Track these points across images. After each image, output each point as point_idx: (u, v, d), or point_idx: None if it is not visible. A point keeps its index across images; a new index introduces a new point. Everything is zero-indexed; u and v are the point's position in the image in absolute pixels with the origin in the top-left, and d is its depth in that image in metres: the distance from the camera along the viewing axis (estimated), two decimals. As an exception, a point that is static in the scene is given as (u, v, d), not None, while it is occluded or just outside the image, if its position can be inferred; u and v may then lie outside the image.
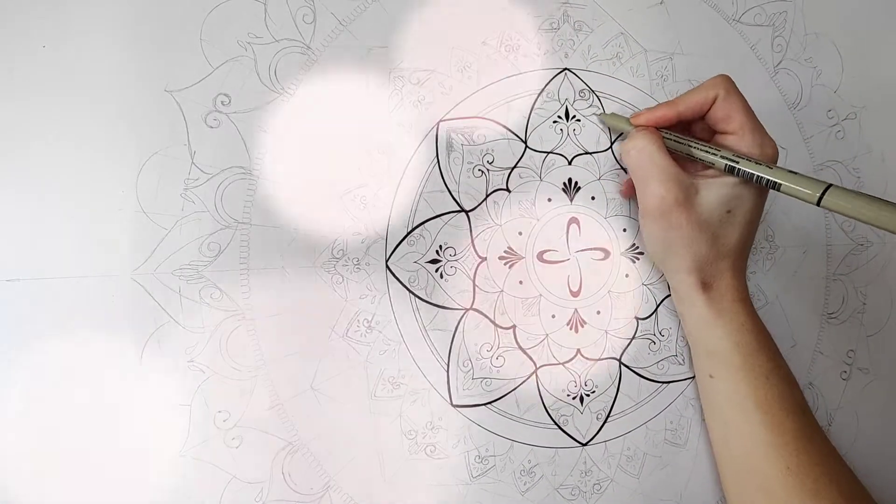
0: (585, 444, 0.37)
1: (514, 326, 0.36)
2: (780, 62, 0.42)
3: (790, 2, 0.42)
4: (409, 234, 0.34)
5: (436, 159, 0.34)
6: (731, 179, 0.32)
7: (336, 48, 0.33)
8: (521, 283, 0.36)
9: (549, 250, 0.37)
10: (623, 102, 0.38)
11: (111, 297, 0.29)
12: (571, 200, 0.37)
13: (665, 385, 0.39)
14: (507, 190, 0.36)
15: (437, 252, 0.34)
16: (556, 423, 0.36)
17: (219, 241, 0.31)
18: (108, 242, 0.29)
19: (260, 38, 0.32)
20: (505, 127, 0.36)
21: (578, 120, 0.37)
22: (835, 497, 0.31)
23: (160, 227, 0.30)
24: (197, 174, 0.31)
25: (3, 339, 0.28)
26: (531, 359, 0.36)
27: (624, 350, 0.38)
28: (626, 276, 0.38)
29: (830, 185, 0.29)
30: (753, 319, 0.34)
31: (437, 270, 0.34)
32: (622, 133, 0.38)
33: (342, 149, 0.33)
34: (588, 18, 0.37)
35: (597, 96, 0.38)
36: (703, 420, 0.38)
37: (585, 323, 0.37)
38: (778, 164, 0.33)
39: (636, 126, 0.35)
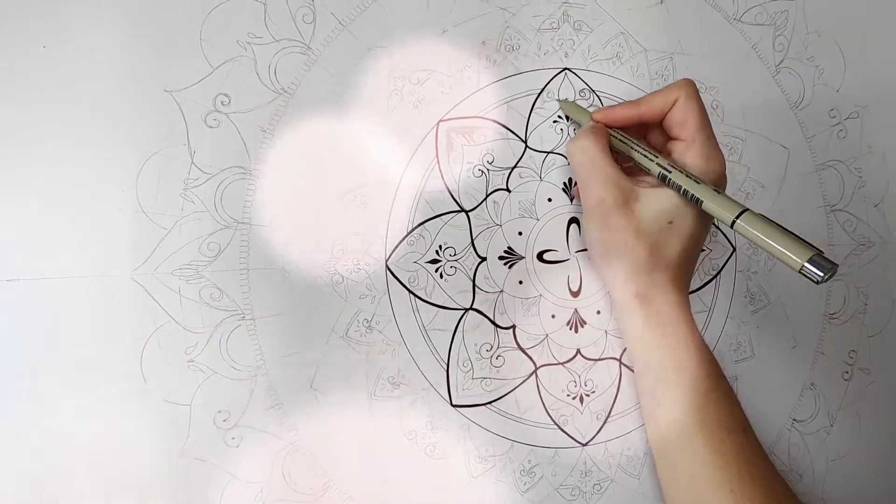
0: (585, 445, 0.37)
1: (513, 326, 0.36)
2: (782, 61, 0.42)
3: (792, 1, 0.42)
4: (408, 234, 0.34)
5: (436, 159, 0.34)
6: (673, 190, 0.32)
7: (336, 48, 0.33)
8: (520, 283, 0.36)
9: (549, 250, 0.37)
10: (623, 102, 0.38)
11: (111, 298, 0.29)
12: (571, 200, 0.37)
13: (665, 385, 0.38)
14: (507, 190, 0.36)
15: (436, 252, 0.34)
16: (556, 424, 0.36)
17: (219, 241, 0.31)
18: (107, 242, 0.29)
19: (260, 38, 0.32)
20: (505, 127, 0.36)
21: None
22: None
23: (160, 227, 0.30)
24: (197, 174, 0.31)
25: (3, 339, 0.28)
26: (531, 359, 0.36)
27: (624, 350, 0.38)
28: (627, 276, 0.38)
29: (746, 210, 0.29)
30: (693, 335, 0.33)
31: (436, 270, 0.34)
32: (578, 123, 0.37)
33: (342, 149, 0.33)
34: (588, 18, 0.37)
35: (597, 96, 0.38)
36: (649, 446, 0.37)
37: (585, 323, 0.37)
38: (727, 180, 0.33)
39: (595, 121, 0.34)
